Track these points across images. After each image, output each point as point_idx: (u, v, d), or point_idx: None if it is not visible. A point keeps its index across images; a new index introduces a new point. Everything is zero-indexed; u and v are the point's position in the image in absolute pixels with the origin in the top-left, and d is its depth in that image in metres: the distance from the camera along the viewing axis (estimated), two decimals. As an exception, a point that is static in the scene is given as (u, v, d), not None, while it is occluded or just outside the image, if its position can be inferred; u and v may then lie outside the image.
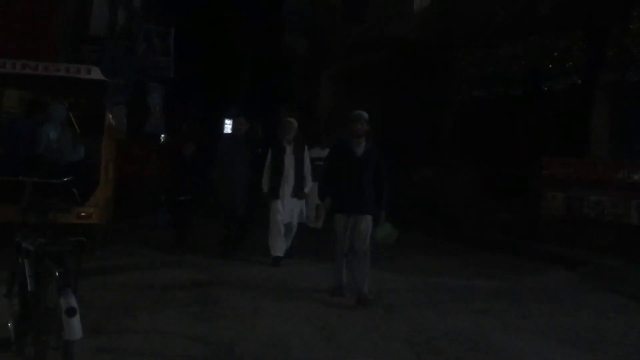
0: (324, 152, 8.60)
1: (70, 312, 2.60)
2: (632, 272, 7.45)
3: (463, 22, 13.10)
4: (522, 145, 11.07)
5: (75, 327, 2.61)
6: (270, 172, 7.19)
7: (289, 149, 7.18)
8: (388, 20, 15.51)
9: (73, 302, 2.64)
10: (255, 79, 20.16)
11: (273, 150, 7.22)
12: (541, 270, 7.86)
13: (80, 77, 6.21)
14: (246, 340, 4.36)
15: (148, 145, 11.57)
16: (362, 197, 5.69)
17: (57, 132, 6.41)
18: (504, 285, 6.81)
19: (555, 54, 10.00)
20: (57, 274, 2.75)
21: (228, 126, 29.71)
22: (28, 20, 9.80)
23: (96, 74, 6.31)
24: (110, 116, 7.38)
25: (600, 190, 9.11)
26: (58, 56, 10.41)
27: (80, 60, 11.27)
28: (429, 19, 14.60)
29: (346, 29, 16.73)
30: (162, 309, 5.14)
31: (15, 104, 7.48)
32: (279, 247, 7.24)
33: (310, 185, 7.30)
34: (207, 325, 4.72)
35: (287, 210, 7.27)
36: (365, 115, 5.75)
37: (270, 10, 18.02)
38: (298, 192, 7.23)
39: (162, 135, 14.18)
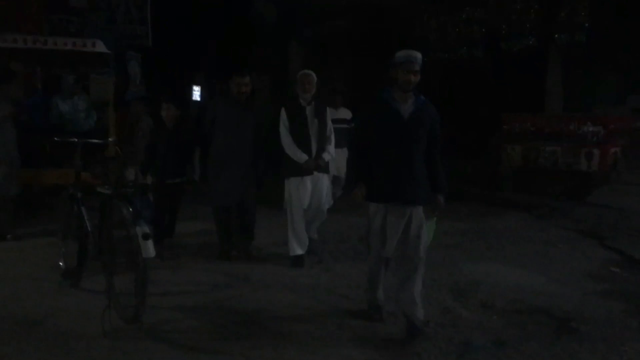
0: (338, 113, 8.08)
1: (146, 236, 3.38)
2: (578, 210, 8.52)
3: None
4: (483, 104, 12.00)
5: (150, 247, 3.39)
6: (290, 139, 5.41)
7: (309, 111, 5.43)
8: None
9: (147, 229, 3.41)
10: (224, 47, 20.56)
11: (288, 113, 5.40)
12: (501, 213, 8.81)
13: (85, 50, 6.79)
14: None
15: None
16: (414, 179, 3.84)
17: (67, 103, 6.99)
18: (469, 226, 7.74)
19: (513, 16, 10.91)
20: (130, 209, 3.51)
21: (197, 93, 29.92)
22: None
23: (100, 46, 6.90)
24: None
25: (554, 141, 10.12)
26: (42, 28, 10.81)
27: (63, 32, 11.70)
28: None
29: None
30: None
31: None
32: (302, 241, 5.55)
33: (333, 152, 5.65)
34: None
35: (314, 189, 5.55)
36: (420, 56, 3.82)
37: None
38: (319, 161, 5.44)
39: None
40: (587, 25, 9.89)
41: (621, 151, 9.67)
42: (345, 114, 8.46)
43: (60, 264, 4.78)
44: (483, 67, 11.71)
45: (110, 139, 6.08)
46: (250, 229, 5.77)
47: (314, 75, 5.51)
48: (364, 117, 4.07)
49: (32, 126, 6.67)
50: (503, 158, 10.83)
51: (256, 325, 3.97)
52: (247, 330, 3.86)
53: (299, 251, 5.55)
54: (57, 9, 11.73)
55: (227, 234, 5.71)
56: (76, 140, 4.54)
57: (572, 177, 9.87)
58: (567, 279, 5.34)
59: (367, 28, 15.03)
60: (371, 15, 14.92)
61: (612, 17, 9.82)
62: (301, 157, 5.36)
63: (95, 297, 4.15)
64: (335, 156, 6.02)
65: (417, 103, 3.91)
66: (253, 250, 5.87)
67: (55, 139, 4.94)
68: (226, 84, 6.31)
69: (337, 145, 5.81)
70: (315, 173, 5.46)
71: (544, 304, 4.58)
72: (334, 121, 6.11)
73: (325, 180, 5.64)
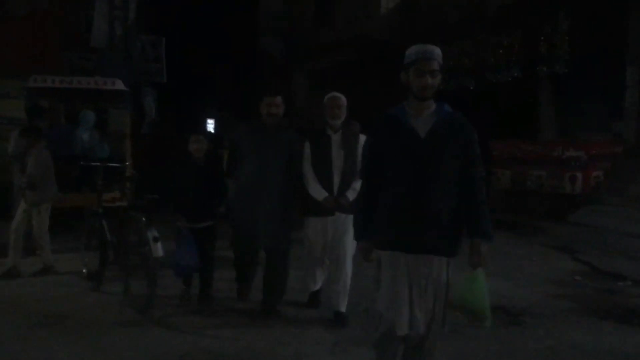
0: None
1: (155, 239, 4.15)
2: (558, 229, 9.17)
3: (422, 22, 14.81)
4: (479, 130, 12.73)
5: (159, 248, 4.16)
6: (311, 172, 4.63)
7: (335, 140, 4.60)
8: (356, 22, 17.08)
9: (156, 233, 4.19)
10: (234, 81, 21.63)
11: (312, 144, 4.63)
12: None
13: (106, 88, 7.67)
14: None
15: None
16: (436, 221, 2.85)
17: (87, 135, 7.83)
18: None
19: (499, 50, 11.71)
20: (143, 219, 4.29)
21: (210, 126, 31.03)
22: (34, 37, 11.11)
23: (119, 85, 7.78)
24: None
25: (540, 166, 10.80)
26: (62, 67, 11.78)
27: (81, 70, 12.70)
28: (392, 20, 16.26)
29: (317, 31, 18.26)
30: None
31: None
32: (318, 275, 4.98)
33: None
34: None
35: (334, 234, 4.66)
36: (439, 51, 2.93)
37: (247, 15, 19.52)
38: (342, 199, 4.55)
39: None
40: (566, 58, 10.61)
41: (603, 174, 10.31)
42: None
43: (84, 270, 5.55)
44: (475, 97, 12.45)
45: (127, 163, 6.85)
46: (280, 284, 4.78)
47: (343, 98, 4.62)
48: (370, 142, 3.06)
49: (58, 155, 7.48)
50: (493, 182, 11.54)
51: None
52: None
53: (313, 286, 4.94)
54: (76, 48, 12.75)
55: (248, 282, 5.01)
56: (99, 164, 5.35)
57: (556, 199, 10.53)
58: (531, 285, 6.00)
59: (367, 60, 15.96)
60: (369, 48, 15.88)
61: (590, 49, 10.54)
62: (320, 193, 4.52)
63: (113, 297, 4.92)
64: None
65: (439, 115, 2.91)
66: (280, 307, 4.84)
67: (82, 163, 5.74)
68: (244, 113, 5.67)
69: None
70: (337, 214, 4.56)
71: (503, 303, 5.24)
72: None
73: (349, 225, 4.26)
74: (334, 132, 4.60)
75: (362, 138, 4.46)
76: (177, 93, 18.64)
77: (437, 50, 2.88)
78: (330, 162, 4.57)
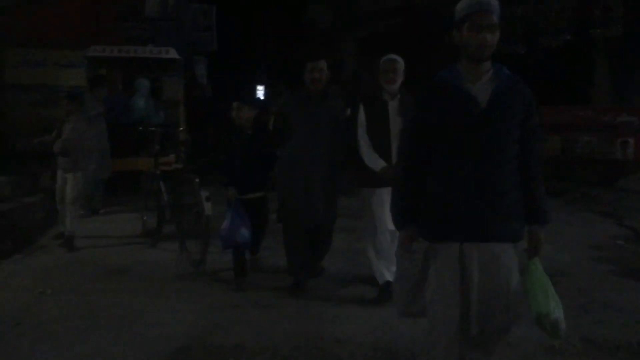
0: None
1: (207, 199, 4.50)
2: (606, 196, 9.10)
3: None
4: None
5: (209, 206, 4.51)
6: (367, 141, 4.34)
7: (392, 107, 4.31)
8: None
9: (207, 193, 4.54)
10: (282, 48, 21.83)
11: (367, 110, 4.36)
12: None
13: (161, 57, 8.04)
14: None
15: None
16: (500, 204, 2.42)
17: (143, 102, 8.25)
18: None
19: (551, 14, 11.49)
20: (196, 180, 4.64)
21: (260, 92, 31.44)
22: (92, 8, 11.56)
23: (173, 53, 8.13)
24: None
25: (591, 131, 10.65)
26: (119, 37, 12.22)
27: (137, 39, 13.14)
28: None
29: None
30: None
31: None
32: (390, 263, 4.32)
33: None
34: None
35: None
36: (497, 2, 2.40)
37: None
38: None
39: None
40: (621, 18, 10.34)
41: (655, 141, 10.11)
42: None
43: (143, 229, 5.99)
44: (526, 61, 12.27)
45: (181, 128, 7.23)
46: (320, 257, 4.83)
47: (400, 61, 4.29)
48: (417, 112, 2.58)
49: (117, 122, 7.94)
50: (544, 148, 11.40)
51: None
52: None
53: (388, 276, 4.32)
54: (132, 18, 13.19)
55: (301, 262, 4.57)
56: (155, 129, 5.71)
57: (607, 165, 10.40)
58: (572, 248, 6.07)
59: (416, 28, 15.85)
60: (417, 15, 15.75)
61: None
62: (377, 163, 4.22)
63: (170, 253, 5.32)
64: None
65: (499, 79, 2.46)
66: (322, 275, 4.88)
67: (140, 128, 6.12)
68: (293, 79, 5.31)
69: None
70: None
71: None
72: None
73: None
74: (391, 98, 4.29)
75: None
76: (228, 61, 19.02)
77: (495, 1, 2.38)
78: (387, 130, 4.24)
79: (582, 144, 10.84)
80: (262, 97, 30.50)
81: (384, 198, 4.16)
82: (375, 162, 4.23)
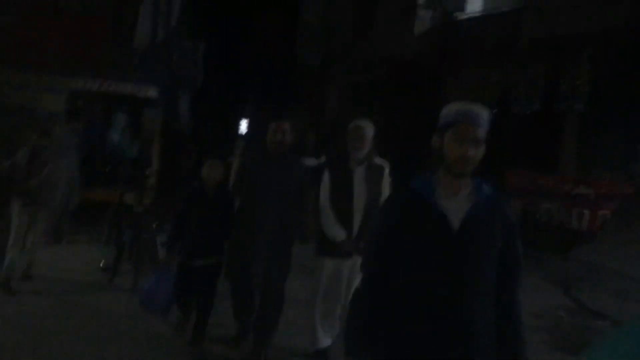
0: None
1: (163, 244, 4.72)
2: (559, 264, 9.46)
3: (455, 45, 15.19)
4: (498, 159, 13.05)
5: (164, 251, 4.73)
6: (328, 209, 4.23)
7: (358, 174, 4.24)
8: (390, 40, 17.52)
9: (164, 239, 4.75)
10: (268, 86, 22.31)
11: (332, 175, 4.27)
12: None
13: (140, 95, 8.33)
14: None
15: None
16: (470, 338, 2.13)
17: (118, 135, 8.51)
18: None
19: (522, 81, 12.06)
20: (154, 225, 4.86)
21: (243, 127, 31.81)
22: (84, 34, 11.85)
23: (152, 92, 8.42)
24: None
25: (550, 199, 11.06)
26: (105, 66, 12.46)
27: (124, 68, 13.40)
28: (427, 41, 16.64)
29: (354, 46, 18.76)
30: None
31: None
32: (325, 330, 4.39)
33: None
34: None
35: (350, 280, 4.22)
36: (487, 114, 2.27)
37: (286, 25, 20.23)
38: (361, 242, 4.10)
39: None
40: (585, 97, 10.88)
41: (610, 214, 10.52)
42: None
43: (101, 263, 6.16)
44: (497, 125, 12.75)
45: (149, 169, 7.44)
46: (268, 327, 4.35)
47: (368, 128, 4.22)
48: (382, 224, 2.28)
49: (91, 153, 8.15)
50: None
51: None
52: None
53: (323, 341, 4.35)
54: (120, 48, 13.49)
55: (248, 311, 4.43)
56: (122, 166, 5.95)
57: (564, 233, 10.76)
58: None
59: (401, 79, 16.39)
60: (403, 67, 16.31)
61: (613, 88, 10.79)
62: (337, 233, 4.13)
63: (123, 291, 5.51)
64: None
65: (478, 197, 2.21)
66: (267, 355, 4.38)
67: (108, 166, 6.34)
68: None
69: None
70: (356, 257, 4.02)
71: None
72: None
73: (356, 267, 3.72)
74: (357, 165, 4.20)
75: (387, 174, 4.26)
76: (213, 96, 19.39)
77: (485, 114, 2.20)
78: (351, 199, 4.13)
79: (542, 211, 11.23)
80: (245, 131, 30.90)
81: (340, 269, 4.17)
82: (335, 232, 4.13)
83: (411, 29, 17.14)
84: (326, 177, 4.25)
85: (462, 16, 15.98)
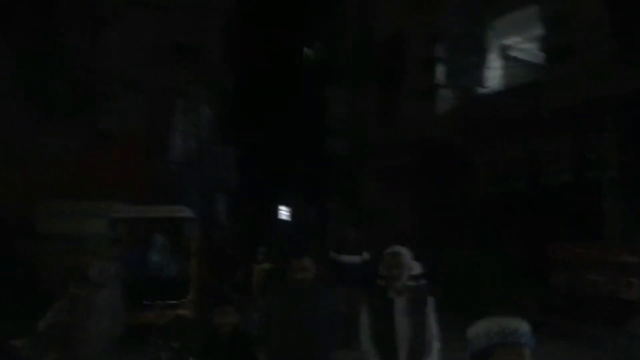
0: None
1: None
2: (612, 340, 9.11)
3: (481, 121, 15.39)
4: (541, 233, 12.88)
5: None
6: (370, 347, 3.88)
7: (399, 304, 3.89)
8: (416, 122, 17.88)
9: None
10: (305, 179, 22.90)
11: (371, 308, 3.96)
12: (541, 342, 9.51)
13: (174, 216, 8.78)
14: None
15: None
16: None
17: (157, 256, 8.89)
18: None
19: (549, 154, 12.13)
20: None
21: (284, 213, 32.40)
22: (124, 159, 12.60)
23: (184, 211, 8.88)
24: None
25: (597, 270, 10.81)
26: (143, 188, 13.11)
27: (163, 183, 14.08)
28: (450, 120, 16.92)
29: (381, 131, 19.21)
30: None
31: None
32: None
33: None
34: None
35: None
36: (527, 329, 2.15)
37: (316, 118, 21.04)
38: None
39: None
40: (615, 165, 10.84)
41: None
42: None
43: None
44: (527, 199, 12.73)
45: (186, 298, 7.67)
46: None
47: (404, 254, 3.94)
48: None
49: (135, 277, 8.51)
50: (552, 285, 11.59)
51: None
52: None
53: None
54: (160, 164, 14.27)
55: None
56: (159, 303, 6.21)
57: (614, 305, 10.44)
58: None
59: (431, 160, 16.60)
60: (432, 148, 16.56)
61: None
62: None
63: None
64: None
65: None
66: None
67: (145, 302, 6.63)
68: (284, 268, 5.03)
69: None
70: None
71: None
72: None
73: None
74: (397, 295, 3.85)
75: (432, 301, 3.94)
76: (252, 196, 20.07)
77: (523, 326, 2.01)
78: (393, 333, 3.76)
79: (589, 282, 10.97)
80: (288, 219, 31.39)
81: None
82: None
83: (433, 109, 17.54)
84: (364, 314, 3.91)
85: (482, 91, 16.35)
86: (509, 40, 16.44)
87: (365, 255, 6.42)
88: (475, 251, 14.06)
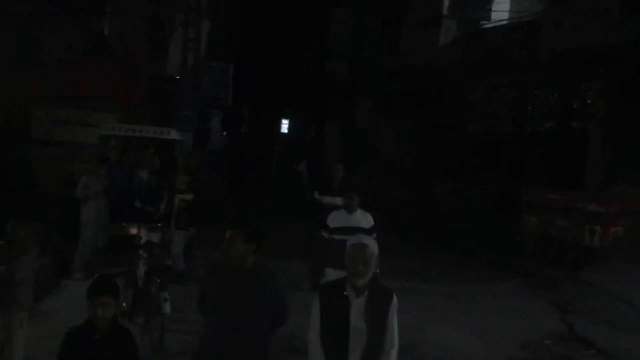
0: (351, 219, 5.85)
1: (165, 300, 5.45)
2: (566, 284, 9.75)
3: (479, 56, 15.43)
4: (521, 173, 13.33)
5: (167, 307, 5.45)
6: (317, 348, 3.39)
7: (356, 305, 3.30)
8: (417, 52, 17.86)
9: (167, 295, 5.48)
10: (301, 98, 23.04)
11: (324, 304, 3.38)
12: (500, 280, 10.21)
13: (162, 137, 9.17)
14: None
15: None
16: None
17: (146, 174, 9.34)
18: (460, 289, 9.22)
19: (536, 101, 12.33)
20: (158, 280, 5.60)
21: (285, 126, 32.77)
22: (125, 72, 12.81)
23: (173, 134, 9.25)
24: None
25: (564, 216, 11.31)
26: (143, 97, 13.37)
27: (158, 95, 14.35)
28: (452, 52, 16.92)
29: (382, 58, 19.19)
30: None
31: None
32: None
33: None
34: None
35: None
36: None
37: (316, 38, 20.86)
38: None
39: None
40: (598, 116, 11.09)
41: (623, 230, 10.73)
42: (361, 220, 5.94)
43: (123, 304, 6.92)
44: (512, 141, 13.07)
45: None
46: None
47: (371, 247, 3.30)
48: None
49: (122, 191, 9.00)
50: (521, 226, 12.14)
51: None
52: None
53: None
54: (156, 76, 14.45)
55: None
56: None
57: (576, 250, 11.02)
58: (499, 346, 6.82)
59: (427, 88, 16.79)
60: (429, 77, 16.69)
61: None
62: None
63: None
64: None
65: None
66: None
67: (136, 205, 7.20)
68: None
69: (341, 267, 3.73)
70: None
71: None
72: (346, 229, 5.23)
73: None
74: (356, 295, 3.27)
75: (395, 304, 3.35)
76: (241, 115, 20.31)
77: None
78: (346, 336, 3.26)
79: (555, 227, 11.49)
80: (285, 131, 31.71)
81: None
82: None
83: (435, 39, 17.49)
84: (315, 308, 3.36)
85: (486, 26, 16.26)
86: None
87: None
88: (459, 183, 14.62)
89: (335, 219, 5.87)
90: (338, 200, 6.81)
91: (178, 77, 14.32)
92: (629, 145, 11.47)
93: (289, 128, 32.51)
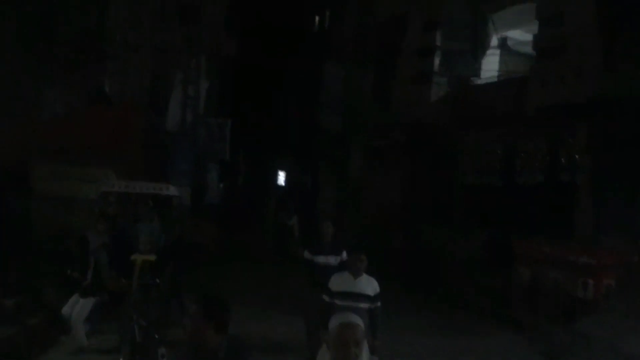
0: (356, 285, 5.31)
1: (163, 355, 5.54)
2: (561, 337, 9.83)
3: (470, 112, 15.87)
4: (511, 224, 13.53)
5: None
6: None
7: None
8: (408, 107, 18.32)
9: (164, 351, 5.58)
10: (297, 149, 23.43)
11: None
12: (494, 332, 10.29)
13: (161, 193, 9.39)
14: None
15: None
16: None
17: (147, 227, 9.50)
18: (455, 343, 9.29)
19: (522, 154, 12.69)
20: (156, 336, 5.70)
21: (281, 178, 33.08)
22: (119, 126, 13.08)
23: (172, 190, 9.49)
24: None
25: (556, 268, 11.46)
26: (141, 152, 13.61)
27: (157, 150, 14.61)
28: (442, 107, 17.36)
29: (373, 111, 19.65)
30: None
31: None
32: None
33: None
34: None
35: None
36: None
37: (308, 92, 21.46)
38: None
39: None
40: (586, 168, 11.40)
41: (615, 282, 10.87)
42: (366, 286, 5.41)
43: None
44: (502, 195, 13.34)
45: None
46: None
47: (361, 327, 2.76)
48: None
49: (128, 248, 9.12)
50: (514, 278, 12.28)
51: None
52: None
53: None
54: (155, 132, 14.77)
55: None
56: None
57: (570, 303, 11.13)
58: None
59: (418, 142, 17.15)
60: (420, 131, 17.08)
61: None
62: None
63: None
64: None
65: None
66: None
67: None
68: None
69: None
70: None
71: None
72: (350, 295, 4.97)
73: None
74: None
75: None
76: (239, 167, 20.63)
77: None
78: None
79: (548, 280, 11.63)
80: (282, 183, 31.98)
81: None
82: None
83: (426, 94, 17.97)
84: None
85: (474, 82, 16.80)
86: (507, 33, 16.85)
87: (344, 256, 5.35)
88: (450, 231, 14.80)
89: (338, 283, 5.33)
90: (331, 259, 6.61)
91: (176, 131, 14.66)
92: (616, 195, 11.73)
93: (286, 180, 32.80)
